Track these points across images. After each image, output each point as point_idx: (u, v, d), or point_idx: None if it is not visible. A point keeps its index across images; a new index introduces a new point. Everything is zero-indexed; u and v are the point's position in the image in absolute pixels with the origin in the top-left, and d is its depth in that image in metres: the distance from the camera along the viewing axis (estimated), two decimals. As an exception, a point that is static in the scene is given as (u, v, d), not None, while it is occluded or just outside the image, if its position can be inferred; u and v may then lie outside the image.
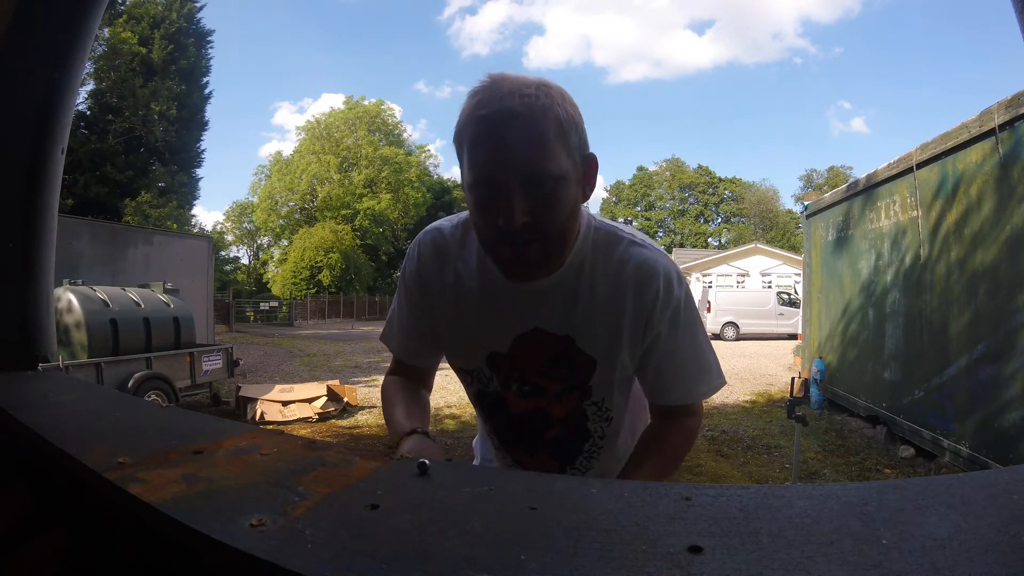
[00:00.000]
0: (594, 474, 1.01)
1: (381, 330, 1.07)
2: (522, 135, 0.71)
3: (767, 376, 9.82)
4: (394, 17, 78.53)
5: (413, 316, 0.98)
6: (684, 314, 0.88)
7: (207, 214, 76.41)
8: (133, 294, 6.28)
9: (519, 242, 0.76)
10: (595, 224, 0.88)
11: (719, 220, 50.86)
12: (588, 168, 0.80)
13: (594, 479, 0.42)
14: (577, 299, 0.86)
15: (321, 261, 31.23)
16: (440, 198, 38.35)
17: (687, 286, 0.90)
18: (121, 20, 21.56)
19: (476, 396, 1.02)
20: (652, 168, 52.57)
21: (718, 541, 0.25)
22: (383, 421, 1.01)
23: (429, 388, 1.08)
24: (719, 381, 0.94)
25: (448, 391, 6.97)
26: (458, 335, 0.96)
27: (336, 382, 7.16)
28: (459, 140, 0.77)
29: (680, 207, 50.84)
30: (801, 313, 8.73)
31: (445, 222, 0.97)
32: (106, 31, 20.52)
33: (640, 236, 0.90)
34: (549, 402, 0.94)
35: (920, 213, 4.74)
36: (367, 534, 0.27)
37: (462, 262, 0.91)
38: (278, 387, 6.84)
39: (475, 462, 1.20)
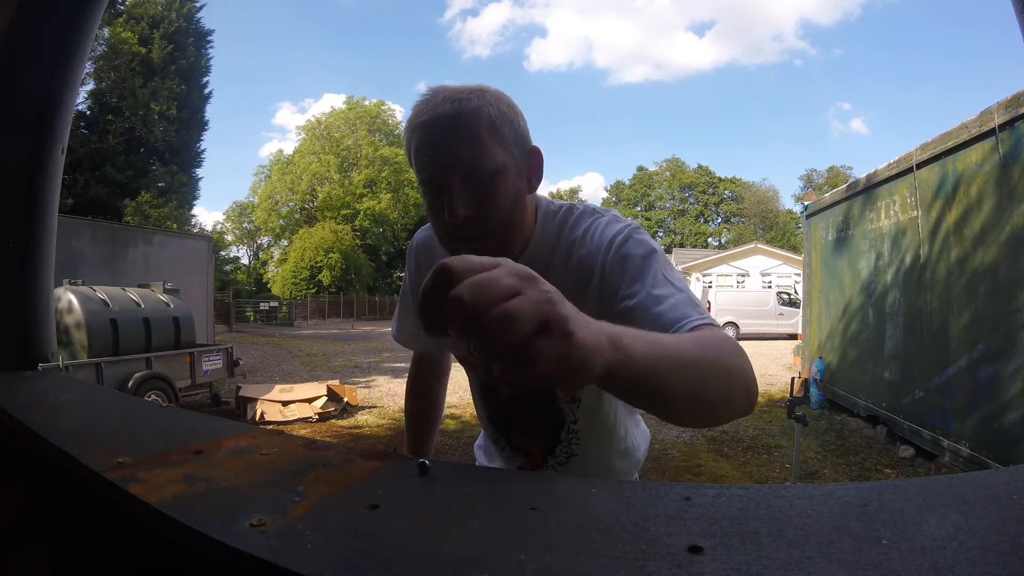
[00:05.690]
0: (581, 459, 1.02)
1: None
2: (454, 136, 0.76)
3: (767, 376, 9.82)
4: (395, 18, 78.70)
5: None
6: (650, 265, 0.78)
7: (207, 214, 76.34)
8: (133, 294, 6.28)
9: (469, 237, 0.79)
10: (552, 208, 0.91)
11: (719, 220, 50.91)
12: (531, 161, 0.84)
13: (594, 479, 0.42)
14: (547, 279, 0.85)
15: (321, 261, 31.24)
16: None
17: (650, 242, 0.82)
18: (121, 20, 21.58)
19: (476, 388, 1.07)
20: (652, 168, 52.63)
21: (718, 541, 0.25)
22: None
23: (447, 368, 1.27)
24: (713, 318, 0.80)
25: (448, 391, 6.98)
26: None
27: (336, 382, 7.15)
28: (407, 150, 0.83)
29: (680, 207, 50.89)
30: (801, 313, 8.73)
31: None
32: (106, 31, 20.54)
33: (603, 209, 0.92)
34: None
35: (920, 213, 4.75)
36: (367, 534, 0.27)
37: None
38: (278, 387, 6.84)
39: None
